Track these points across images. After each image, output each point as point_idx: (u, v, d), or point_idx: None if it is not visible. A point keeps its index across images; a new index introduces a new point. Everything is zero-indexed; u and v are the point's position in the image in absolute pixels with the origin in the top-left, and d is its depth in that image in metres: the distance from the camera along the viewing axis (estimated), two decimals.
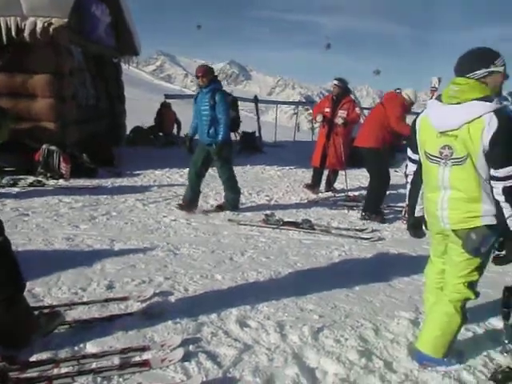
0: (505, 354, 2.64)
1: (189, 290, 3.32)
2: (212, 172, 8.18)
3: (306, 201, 6.62)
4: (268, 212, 5.42)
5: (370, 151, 5.57)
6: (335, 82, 6.98)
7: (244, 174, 8.47)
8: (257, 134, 11.51)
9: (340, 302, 3.26)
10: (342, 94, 6.94)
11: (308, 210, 6.02)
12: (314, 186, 7.17)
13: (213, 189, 6.94)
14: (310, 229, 4.98)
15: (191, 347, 2.51)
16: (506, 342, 2.68)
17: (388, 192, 5.93)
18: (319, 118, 6.95)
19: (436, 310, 2.46)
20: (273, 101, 28.05)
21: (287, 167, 9.13)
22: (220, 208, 5.74)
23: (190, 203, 5.59)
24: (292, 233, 4.94)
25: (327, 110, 6.95)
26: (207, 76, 5.30)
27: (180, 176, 7.94)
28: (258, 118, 11.84)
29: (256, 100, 12.52)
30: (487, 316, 3.08)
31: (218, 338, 2.65)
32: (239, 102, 10.91)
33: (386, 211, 5.86)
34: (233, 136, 7.63)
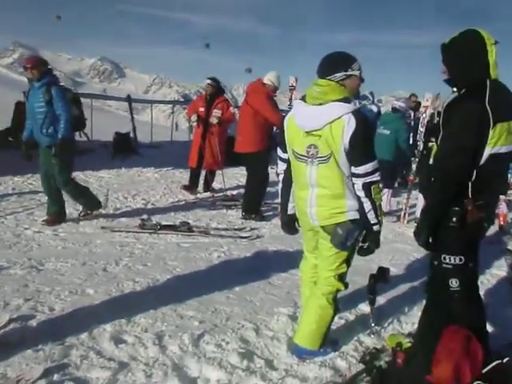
0: (372, 336, 2.87)
1: (55, 310, 2.98)
2: (82, 176, 7.65)
3: (184, 202, 6.50)
4: (144, 216, 5.17)
5: (251, 155, 5.64)
6: (208, 81, 6.96)
7: (118, 177, 8.02)
8: (131, 135, 11.00)
9: (221, 304, 3.22)
10: (216, 93, 6.95)
11: (186, 211, 5.90)
12: (191, 186, 7.08)
13: None
14: (188, 231, 4.87)
15: (56, 376, 2.23)
16: (373, 324, 2.92)
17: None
18: (194, 117, 6.87)
19: (310, 304, 2.56)
20: (148, 100, 27.23)
21: (164, 168, 8.88)
22: (86, 214, 5.26)
23: (55, 216, 5.02)
24: (170, 237, 4.78)
25: (201, 109, 6.90)
26: (38, 68, 4.65)
27: None
28: (133, 118, 11.31)
29: (129, 99, 11.96)
30: (357, 302, 3.31)
31: (89, 360, 2.41)
32: (112, 102, 10.29)
33: (263, 208, 6.00)
34: (77, 136, 7.03)
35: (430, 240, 2.30)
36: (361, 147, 2.23)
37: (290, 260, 4.02)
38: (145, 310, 2.99)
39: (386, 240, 5.07)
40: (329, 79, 2.29)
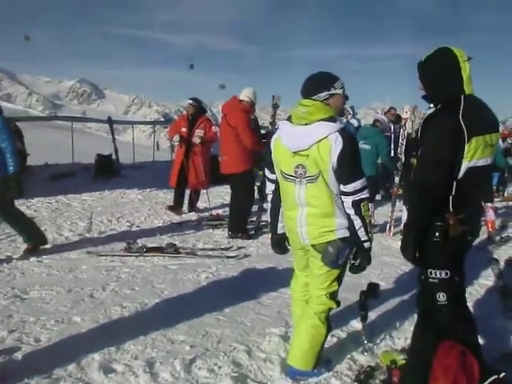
0: (365, 354, 2.85)
1: (41, 341, 2.89)
2: (64, 199, 7.53)
3: (169, 223, 6.43)
4: (130, 239, 5.09)
5: (237, 175, 5.63)
6: (190, 101, 6.96)
7: (102, 199, 7.91)
8: (113, 157, 10.90)
9: (211, 327, 3.17)
10: (198, 113, 6.95)
11: (172, 232, 5.84)
12: (176, 207, 7.02)
13: (67, 218, 6.32)
14: (175, 253, 4.81)
15: None
16: (366, 341, 2.90)
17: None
18: (176, 138, 6.83)
19: (303, 324, 2.53)
20: (128, 121, 27.15)
21: (148, 189, 8.81)
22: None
23: (32, 244, 4.81)
24: (157, 259, 4.71)
25: (184, 129, 6.87)
26: None
27: (27, 207, 7.03)
28: (114, 140, 11.23)
29: (110, 121, 11.88)
30: (348, 319, 3.30)
31: None
32: (92, 124, 10.21)
33: (249, 227, 5.97)
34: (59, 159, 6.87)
35: (417, 255, 2.32)
36: (349, 165, 2.25)
37: (279, 278, 4.01)
38: (134, 337, 2.93)
39: (374, 254, 5.00)
40: (313, 99, 2.32)
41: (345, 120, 8.73)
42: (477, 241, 5.75)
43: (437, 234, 2.20)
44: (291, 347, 2.62)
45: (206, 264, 4.61)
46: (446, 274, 2.25)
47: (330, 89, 2.35)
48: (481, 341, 3.01)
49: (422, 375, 2.02)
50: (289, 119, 2.40)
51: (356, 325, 3.19)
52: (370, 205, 6.12)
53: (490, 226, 6.23)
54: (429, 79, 2.30)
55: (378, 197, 7.92)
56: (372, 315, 3.42)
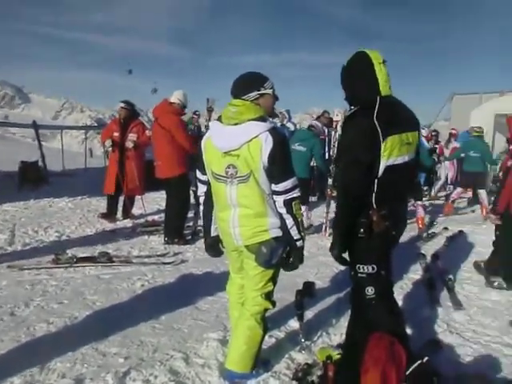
0: (303, 352, 2.88)
1: None
2: None
3: (102, 232, 6.15)
4: (59, 250, 4.79)
5: (172, 179, 5.49)
6: (121, 104, 6.71)
7: (26, 209, 7.38)
8: (40, 163, 10.29)
9: (147, 336, 3.05)
10: (130, 116, 6.72)
11: (105, 241, 5.57)
12: (109, 214, 6.74)
13: None
14: (108, 262, 4.60)
15: None
16: (303, 340, 2.93)
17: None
18: (108, 143, 6.58)
19: (239, 326, 2.51)
20: (57, 126, 25.74)
21: (79, 197, 8.38)
22: None
23: None
24: (88, 269, 4.47)
25: (116, 134, 6.62)
26: None
27: None
28: (41, 146, 10.61)
29: (35, 125, 11.21)
30: (286, 319, 3.32)
31: None
32: (16, 129, 9.58)
33: (186, 232, 5.87)
34: None
35: (346, 253, 2.39)
36: (279, 165, 2.26)
37: (216, 283, 3.95)
38: (61, 354, 2.74)
39: (310, 254, 5.20)
40: (243, 99, 2.31)
41: (280, 124, 8.88)
42: (406, 237, 6.14)
43: (361, 230, 2.28)
44: (229, 350, 2.58)
45: (141, 271, 4.45)
46: (373, 268, 2.34)
47: (260, 89, 2.35)
48: (409, 330, 3.18)
49: (355, 368, 2.06)
50: (219, 119, 2.37)
51: (293, 324, 3.22)
52: (304, 207, 6.24)
53: (420, 222, 6.62)
54: (347, 82, 2.40)
55: (313, 198, 8.12)
56: (309, 314, 3.48)
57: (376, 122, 2.17)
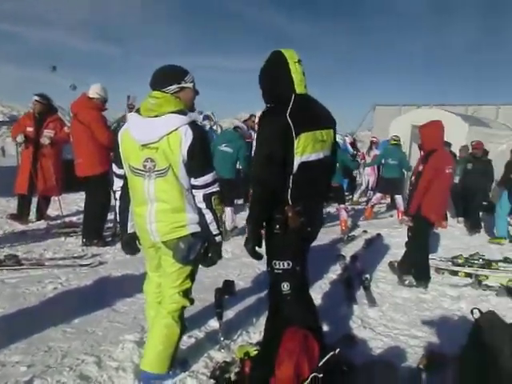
0: (222, 350, 2.86)
1: None
2: None
3: (11, 234, 5.67)
4: None
5: (92, 177, 5.20)
6: (36, 98, 6.19)
7: None
8: None
9: (56, 341, 2.86)
10: (47, 111, 6.27)
11: (14, 243, 5.13)
12: (21, 216, 6.21)
13: None
14: (16, 265, 4.25)
15: None
16: (222, 339, 2.91)
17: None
18: (20, 138, 6.05)
19: (156, 325, 2.42)
20: None
21: None
22: None
23: None
24: None
25: (30, 129, 6.14)
26: None
27: None
28: None
29: None
30: (206, 319, 3.29)
31: None
32: None
33: (106, 233, 5.61)
34: None
35: (263, 247, 2.41)
36: (199, 158, 2.23)
37: (136, 284, 3.76)
38: None
39: (234, 255, 5.20)
40: (163, 91, 2.25)
41: (208, 127, 8.85)
42: (328, 240, 6.34)
43: (277, 226, 2.30)
44: (145, 351, 2.48)
45: (54, 274, 4.17)
46: (289, 264, 2.38)
47: (181, 82, 2.31)
48: (327, 326, 3.30)
49: (270, 361, 2.07)
50: (138, 111, 2.29)
51: (214, 324, 3.19)
52: (230, 208, 6.20)
53: (343, 224, 6.91)
54: (263, 81, 2.44)
55: (240, 201, 8.15)
56: (230, 313, 3.48)
57: (289, 118, 2.21)
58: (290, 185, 2.31)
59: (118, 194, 2.51)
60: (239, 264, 4.85)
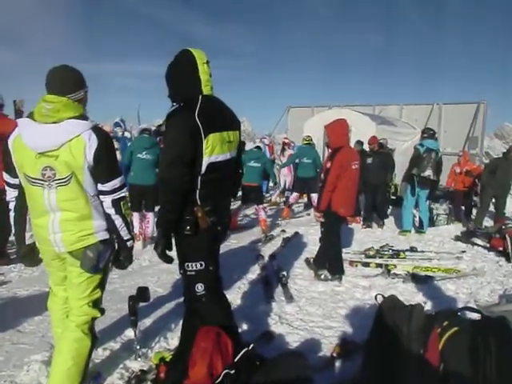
0: (138, 359, 2.78)
1: None
2: None
3: None
4: None
5: None
6: None
7: None
8: None
9: None
10: None
11: None
12: None
13: None
14: None
15: None
16: (138, 347, 2.83)
17: None
18: None
19: (64, 340, 2.28)
20: None
21: None
22: None
23: None
24: None
25: None
26: None
27: None
28: None
29: None
30: (122, 329, 3.17)
31: None
32: None
33: (11, 251, 5.20)
34: None
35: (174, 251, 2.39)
36: (106, 163, 2.15)
37: (44, 301, 3.53)
38: None
39: (152, 263, 5.10)
40: (60, 95, 2.13)
41: (120, 134, 8.60)
42: (247, 241, 6.40)
43: (187, 227, 2.29)
44: (51, 370, 2.31)
45: None
46: (201, 265, 2.38)
47: (85, 87, 2.25)
48: (246, 325, 3.35)
49: (184, 363, 2.06)
50: (30, 116, 2.15)
51: (130, 333, 3.07)
52: (151, 213, 6.01)
53: (263, 224, 7.07)
54: (171, 79, 2.41)
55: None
56: (148, 321, 3.41)
57: (197, 118, 2.22)
58: (199, 185, 2.31)
59: (12, 205, 2.35)
60: (157, 271, 4.76)
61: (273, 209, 9.89)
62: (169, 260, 2.38)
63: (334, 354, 2.89)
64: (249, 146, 11.31)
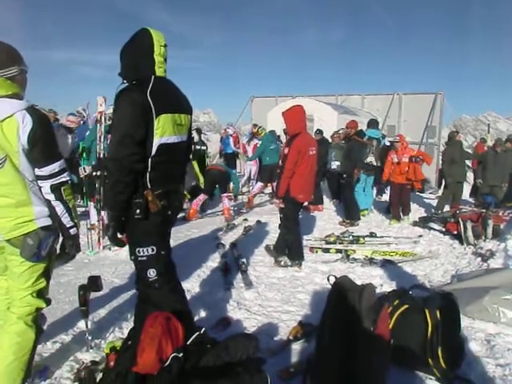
0: (90, 351, 2.70)
1: None
2: None
3: None
4: None
5: None
6: None
7: None
8: None
9: None
10: None
11: None
12: None
13: None
14: None
15: None
16: (90, 338, 2.74)
17: None
18: None
19: (4, 334, 2.15)
20: None
21: None
22: None
23: None
24: None
25: None
26: None
27: None
28: None
29: None
30: (74, 321, 3.08)
31: None
32: None
33: None
34: None
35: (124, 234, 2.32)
36: (42, 147, 2.03)
37: None
38: None
39: (107, 254, 4.97)
40: None
41: (82, 122, 8.31)
42: (210, 229, 6.35)
43: (137, 211, 2.22)
44: None
45: None
46: (153, 249, 2.32)
47: (21, 64, 2.11)
48: (204, 311, 3.32)
49: (133, 350, 2.00)
50: None
51: (83, 325, 2.99)
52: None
53: (226, 212, 7.06)
54: (124, 57, 2.32)
55: None
56: (102, 312, 3.32)
57: (149, 97, 2.15)
58: (149, 167, 2.24)
59: None
60: (114, 261, 4.65)
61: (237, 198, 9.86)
62: (120, 244, 2.31)
63: (291, 337, 2.91)
64: (215, 137, 11.22)
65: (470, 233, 5.72)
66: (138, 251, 2.32)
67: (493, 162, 8.34)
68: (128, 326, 3.06)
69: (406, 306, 2.62)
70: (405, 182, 7.29)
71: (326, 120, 9.93)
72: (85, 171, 5.59)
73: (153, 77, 2.25)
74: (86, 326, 2.74)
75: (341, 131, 8.53)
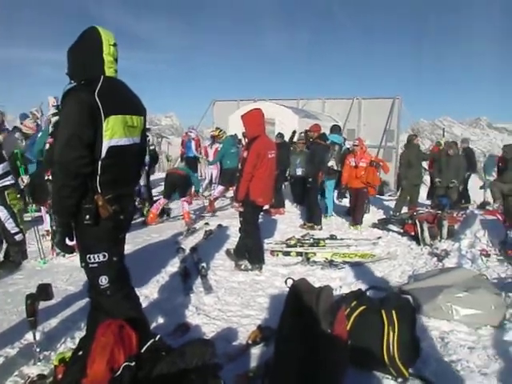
0: (38, 364, 2.56)
1: None
2: None
3: None
4: None
5: None
6: None
7: None
8: None
9: None
10: None
11: None
12: None
13: None
14: None
15: None
16: (38, 350, 2.60)
17: None
18: None
19: None
20: None
21: None
22: None
23: None
24: None
25: None
26: None
27: None
28: None
29: None
30: (22, 333, 2.92)
31: None
32: None
33: None
34: None
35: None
36: None
37: None
38: None
39: (61, 261, 4.77)
40: None
41: (34, 122, 7.94)
42: (170, 234, 6.22)
43: (87, 216, 2.12)
44: None
45: None
46: (104, 256, 2.22)
47: None
48: (162, 317, 3.25)
49: (83, 361, 1.91)
50: None
51: (31, 337, 2.84)
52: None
53: (186, 217, 6.99)
54: (71, 55, 2.23)
55: None
56: (54, 321, 3.18)
57: (97, 98, 2.06)
58: (99, 171, 2.14)
59: None
60: (69, 268, 4.44)
61: (198, 201, 9.75)
62: (68, 250, 2.20)
63: (250, 341, 2.88)
64: (177, 140, 11.05)
65: (426, 234, 5.88)
66: (89, 258, 2.22)
67: (446, 164, 8.60)
68: (81, 335, 2.91)
69: (364, 307, 2.64)
70: (360, 186, 7.32)
71: (287, 124, 10.02)
72: (23, 181, 5.31)
73: (102, 77, 2.16)
74: (34, 338, 2.60)
75: (302, 135, 8.60)
